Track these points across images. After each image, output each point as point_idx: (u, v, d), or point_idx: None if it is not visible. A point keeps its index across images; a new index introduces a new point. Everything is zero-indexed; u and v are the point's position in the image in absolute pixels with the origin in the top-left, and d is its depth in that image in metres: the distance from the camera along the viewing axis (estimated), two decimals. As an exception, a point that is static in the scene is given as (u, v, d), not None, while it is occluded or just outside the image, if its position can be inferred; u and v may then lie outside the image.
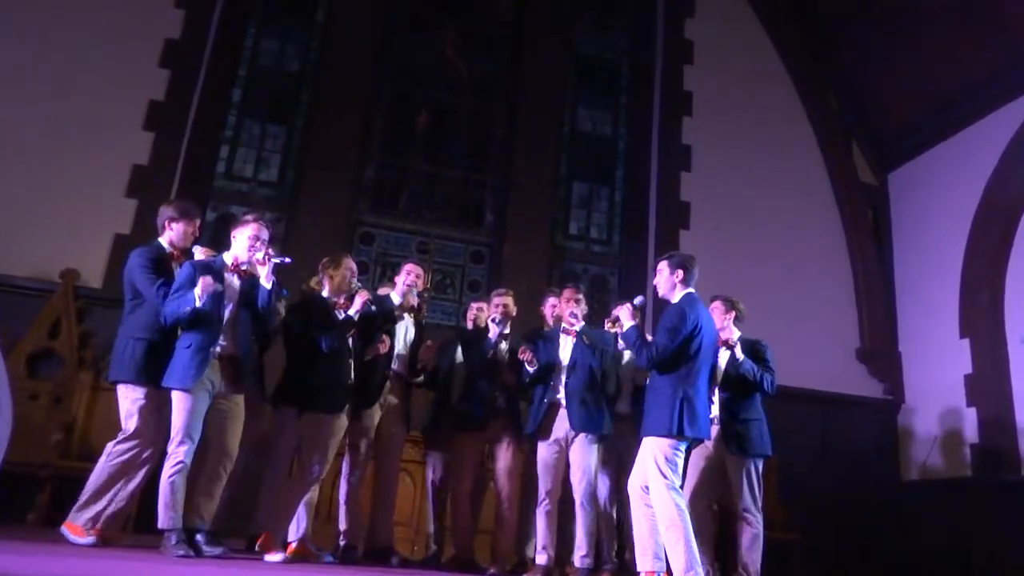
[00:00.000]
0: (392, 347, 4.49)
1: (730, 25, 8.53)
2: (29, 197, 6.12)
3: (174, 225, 4.10)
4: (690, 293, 3.90)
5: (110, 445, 3.78)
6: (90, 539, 3.59)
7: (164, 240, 4.12)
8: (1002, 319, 6.94)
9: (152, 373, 3.76)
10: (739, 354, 4.43)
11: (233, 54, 7.42)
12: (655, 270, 4.02)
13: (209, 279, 3.68)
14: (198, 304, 3.63)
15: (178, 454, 3.63)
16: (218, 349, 3.76)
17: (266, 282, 3.90)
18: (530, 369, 4.48)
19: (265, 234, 3.98)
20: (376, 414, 4.43)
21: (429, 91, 8.02)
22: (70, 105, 6.42)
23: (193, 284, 3.71)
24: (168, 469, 3.63)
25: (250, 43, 7.61)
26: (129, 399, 3.79)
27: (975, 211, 7.16)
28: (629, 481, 3.85)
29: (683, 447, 3.72)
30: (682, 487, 3.76)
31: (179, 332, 3.78)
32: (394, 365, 4.55)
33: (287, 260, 4.04)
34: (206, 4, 7.19)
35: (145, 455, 3.80)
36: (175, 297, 3.74)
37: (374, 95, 7.77)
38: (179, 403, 3.67)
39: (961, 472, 6.92)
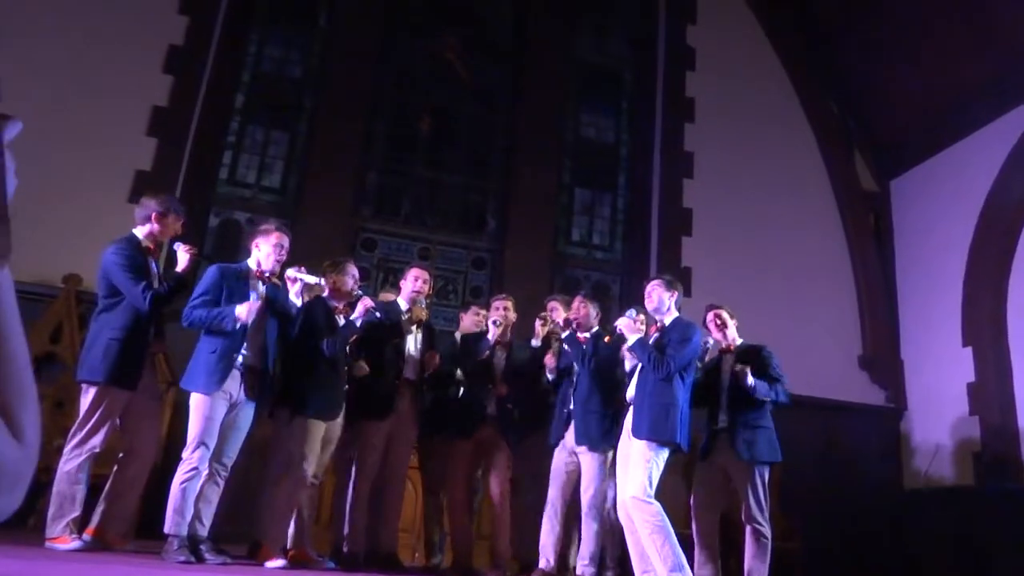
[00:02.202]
0: (402, 357, 4.48)
1: (732, 32, 8.55)
2: (32, 202, 6.12)
3: (159, 220, 3.99)
4: (681, 315, 4.08)
5: (66, 449, 3.71)
6: (77, 542, 3.55)
7: (141, 232, 3.99)
8: (1005, 327, 6.93)
9: (125, 375, 3.72)
10: (750, 380, 4.29)
11: (236, 60, 7.44)
12: (648, 290, 4.13)
13: (259, 303, 3.71)
14: (238, 325, 3.65)
15: (192, 460, 3.62)
16: (241, 357, 3.77)
17: (296, 298, 3.95)
18: (550, 376, 4.56)
19: (287, 242, 4.00)
20: (387, 423, 4.42)
21: (431, 97, 8.04)
22: (73, 110, 6.44)
23: (219, 290, 3.73)
24: (181, 474, 3.63)
25: (253, 49, 7.63)
26: (93, 399, 3.72)
27: (977, 218, 7.16)
28: (628, 498, 3.79)
29: (667, 455, 3.78)
30: (657, 496, 3.76)
31: (201, 335, 3.80)
32: (406, 373, 4.51)
33: (322, 282, 4.08)
34: (209, 10, 7.21)
35: (123, 457, 3.81)
36: (200, 303, 3.72)
37: (376, 101, 7.79)
38: (197, 408, 3.66)
39: (964, 480, 6.91)
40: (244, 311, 3.66)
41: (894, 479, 7.48)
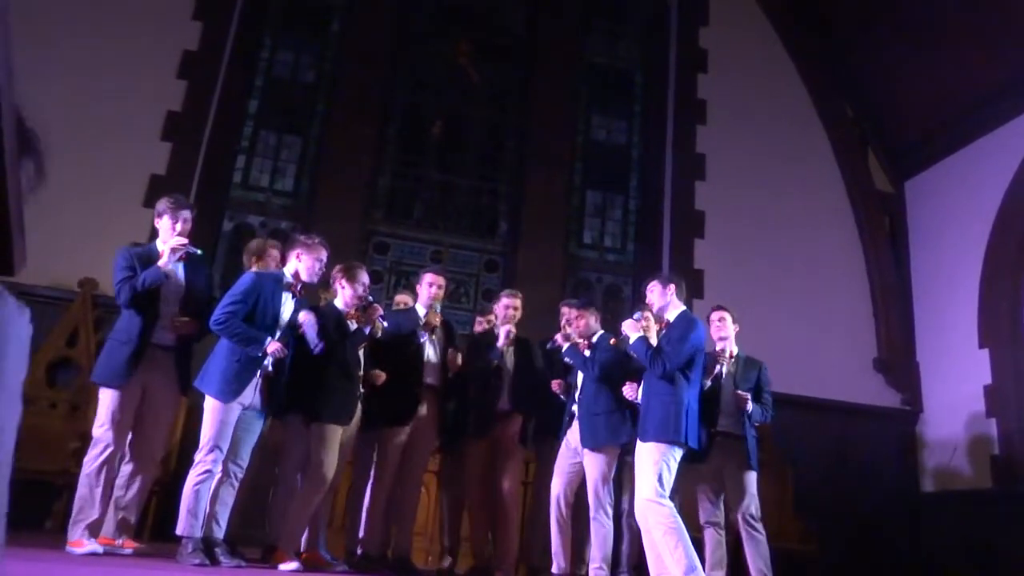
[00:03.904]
0: (421, 361, 4.48)
1: (744, 34, 8.52)
2: (48, 207, 6.19)
3: (158, 223, 3.97)
4: (686, 310, 4.06)
5: (87, 454, 3.73)
6: (94, 547, 3.56)
7: (159, 241, 3.97)
8: (1022, 328, 6.86)
9: (118, 374, 3.72)
10: (750, 407, 4.51)
11: (249, 65, 7.50)
12: (647, 290, 4.15)
13: (282, 350, 3.75)
14: (260, 354, 3.68)
15: (205, 462, 3.63)
16: (269, 369, 3.80)
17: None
18: (563, 397, 4.56)
19: (325, 257, 4.02)
20: (406, 431, 4.41)
21: (443, 100, 8.06)
22: (88, 115, 6.49)
23: (253, 298, 3.74)
24: (194, 476, 3.63)
25: (266, 54, 7.68)
26: (103, 402, 3.75)
27: (993, 219, 7.09)
28: (638, 499, 3.82)
29: (678, 455, 3.77)
30: (672, 497, 3.77)
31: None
32: (427, 378, 4.50)
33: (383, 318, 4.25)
34: (223, 16, 7.26)
35: (129, 461, 3.82)
36: (233, 309, 3.69)
37: (388, 105, 7.82)
38: (211, 412, 3.67)
39: (981, 483, 6.84)
40: (272, 348, 3.69)
41: (910, 482, 7.41)
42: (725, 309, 4.80)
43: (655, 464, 3.68)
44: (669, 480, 3.71)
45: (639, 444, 3.82)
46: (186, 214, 3.97)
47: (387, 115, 7.80)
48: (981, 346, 7.04)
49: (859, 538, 6.89)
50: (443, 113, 8.03)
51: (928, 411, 7.59)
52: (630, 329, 4.06)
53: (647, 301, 4.14)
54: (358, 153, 7.35)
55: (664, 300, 4.06)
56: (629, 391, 4.31)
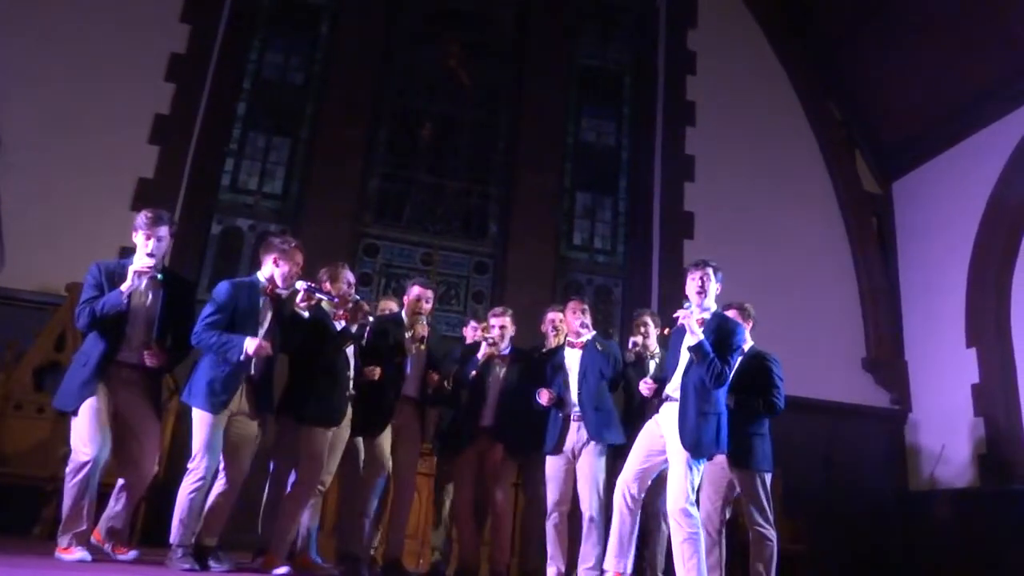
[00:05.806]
0: (403, 372, 4.46)
1: (732, 36, 8.56)
2: (36, 211, 6.15)
3: (134, 237, 3.82)
4: (718, 309, 3.87)
5: (68, 468, 3.68)
6: (83, 554, 3.53)
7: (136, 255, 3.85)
8: (1009, 328, 6.92)
9: (81, 398, 3.63)
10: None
11: (238, 67, 7.47)
12: (699, 276, 3.83)
13: (267, 347, 3.70)
14: (242, 358, 3.64)
15: (199, 470, 3.63)
16: (253, 373, 3.77)
17: (302, 309, 3.95)
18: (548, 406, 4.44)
19: (301, 259, 3.98)
20: (389, 436, 4.40)
21: (433, 103, 8.05)
22: (75, 118, 6.46)
23: (231, 307, 3.72)
24: (188, 485, 3.64)
25: (255, 56, 7.65)
26: (75, 418, 3.69)
27: (980, 219, 7.15)
28: (669, 505, 3.71)
29: (706, 460, 3.74)
30: (697, 502, 3.73)
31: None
32: (405, 389, 4.49)
33: (336, 300, 4.09)
34: (211, 18, 7.24)
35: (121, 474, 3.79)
36: (212, 321, 3.68)
37: (378, 107, 7.81)
38: (200, 420, 3.67)
39: (969, 482, 6.89)
40: (252, 347, 3.63)
41: (898, 481, 7.46)
42: (734, 307, 4.49)
43: (687, 473, 3.62)
44: (696, 485, 3.68)
45: (677, 449, 3.68)
46: (162, 231, 3.80)
47: (377, 117, 7.78)
48: (969, 345, 7.09)
49: (848, 537, 6.92)
50: (433, 115, 8.02)
51: (916, 410, 7.64)
52: (698, 327, 3.71)
53: (699, 294, 3.82)
54: (348, 155, 7.33)
55: (714, 297, 3.81)
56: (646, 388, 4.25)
